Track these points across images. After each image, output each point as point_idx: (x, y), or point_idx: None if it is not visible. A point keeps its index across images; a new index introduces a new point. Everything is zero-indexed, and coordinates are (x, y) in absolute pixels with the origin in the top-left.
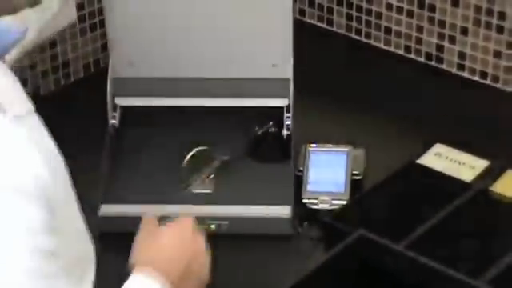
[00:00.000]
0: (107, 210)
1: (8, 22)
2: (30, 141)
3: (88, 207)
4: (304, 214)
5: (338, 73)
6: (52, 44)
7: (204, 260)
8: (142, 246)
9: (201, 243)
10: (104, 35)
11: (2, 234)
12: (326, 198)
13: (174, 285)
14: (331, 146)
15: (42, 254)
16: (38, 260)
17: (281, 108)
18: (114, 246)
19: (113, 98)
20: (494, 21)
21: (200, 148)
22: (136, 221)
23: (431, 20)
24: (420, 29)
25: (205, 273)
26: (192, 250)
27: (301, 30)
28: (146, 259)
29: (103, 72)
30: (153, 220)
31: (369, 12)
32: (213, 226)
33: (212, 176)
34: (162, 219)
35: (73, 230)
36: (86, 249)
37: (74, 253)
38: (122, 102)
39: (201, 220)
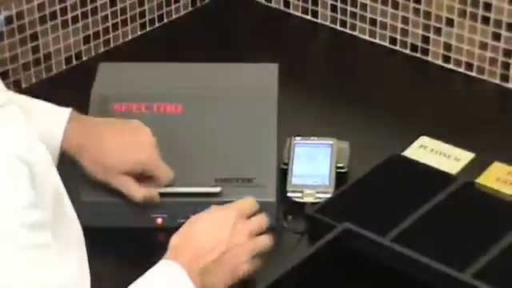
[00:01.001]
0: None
1: None
2: (12, 123)
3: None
4: (288, 207)
5: (322, 65)
6: (33, 36)
7: (240, 254)
8: (182, 228)
9: (241, 236)
10: (86, 27)
11: None
12: (310, 191)
13: (197, 276)
14: (316, 138)
15: (31, 228)
16: (26, 233)
17: None
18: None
19: None
20: (480, 12)
21: None
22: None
23: (417, 11)
24: (405, 20)
25: (239, 268)
26: (227, 242)
27: (285, 21)
28: (177, 244)
29: (85, 65)
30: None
31: (354, 3)
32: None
33: None
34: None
35: (60, 211)
36: (74, 228)
37: (63, 231)
38: None
39: (185, 214)
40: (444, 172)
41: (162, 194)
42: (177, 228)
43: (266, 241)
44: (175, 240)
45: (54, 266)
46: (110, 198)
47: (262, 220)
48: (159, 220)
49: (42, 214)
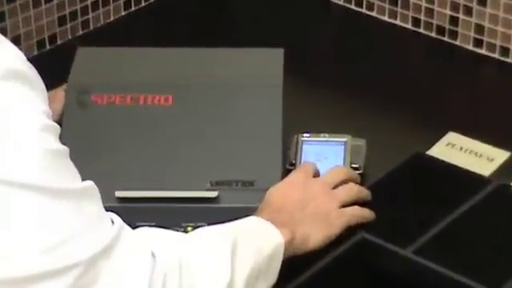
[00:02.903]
0: None
1: None
2: None
3: None
4: None
5: (335, 51)
6: (0, 17)
7: (327, 202)
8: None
9: (316, 188)
10: (61, 7)
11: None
12: None
13: (285, 223)
14: (327, 135)
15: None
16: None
17: None
18: None
19: None
20: None
21: None
22: None
23: None
24: None
25: (332, 215)
26: (305, 194)
27: (295, 0)
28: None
29: (60, 50)
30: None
31: None
32: (189, 229)
33: None
34: None
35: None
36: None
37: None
38: None
39: (176, 222)
40: (475, 174)
41: (147, 199)
42: None
43: (356, 190)
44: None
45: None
46: None
47: (354, 186)
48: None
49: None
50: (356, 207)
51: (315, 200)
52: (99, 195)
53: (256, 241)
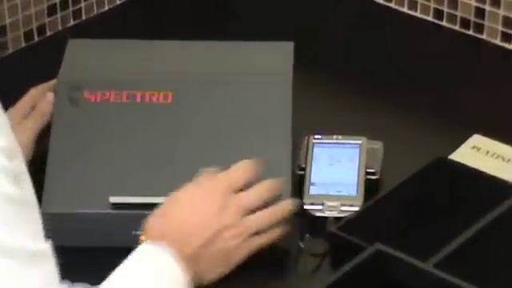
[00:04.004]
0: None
1: None
2: None
3: None
4: (306, 223)
5: (349, 45)
6: None
7: (231, 237)
8: (161, 207)
9: (231, 214)
10: None
11: None
12: (333, 203)
13: (187, 259)
14: (340, 137)
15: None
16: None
17: None
18: None
19: None
20: None
21: None
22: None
23: None
24: None
25: (233, 253)
26: (219, 222)
27: None
28: (157, 230)
29: (50, 42)
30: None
31: None
32: None
33: None
34: None
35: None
36: None
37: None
38: None
39: None
40: (502, 180)
41: (145, 205)
42: None
43: (267, 216)
44: (152, 222)
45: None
46: (82, 210)
47: (263, 189)
48: (143, 238)
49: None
50: (266, 212)
51: (223, 234)
52: (53, 261)
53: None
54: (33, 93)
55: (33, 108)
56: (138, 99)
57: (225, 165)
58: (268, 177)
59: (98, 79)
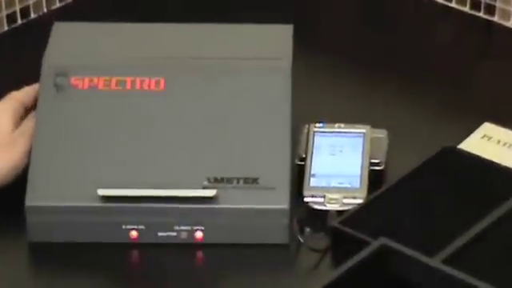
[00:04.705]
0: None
1: None
2: None
3: None
4: (306, 216)
5: (352, 27)
6: None
7: None
8: None
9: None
10: None
11: None
12: (335, 195)
13: None
14: (343, 125)
15: None
16: None
17: None
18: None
19: None
20: None
21: None
22: None
23: None
24: None
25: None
26: None
27: None
28: None
29: (34, 25)
30: None
31: None
32: (183, 233)
33: None
34: None
35: None
36: None
37: None
38: None
39: (168, 226)
40: None
41: (135, 198)
42: (156, 244)
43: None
44: None
45: None
46: (68, 203)
47: None
48: (134, 233)
49: None
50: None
51: None
52: None
53: None
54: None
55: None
56: (128, 86)
57: (221, 155)
58: (266, 168)
59: (85, 65)
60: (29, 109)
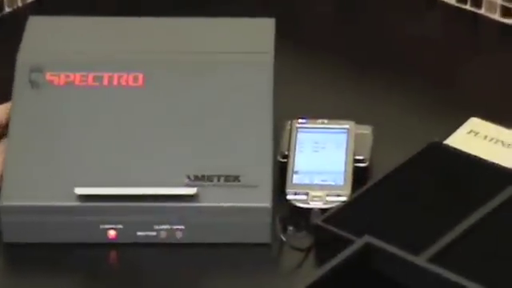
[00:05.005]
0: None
1: None
2: None
3: None
4: (289, 214)
5: (336, 21)
6: None
7: None
8: None
9: None
10: None
11: None
12: (318, 192)
13: None
14: (326, 121)
15: None
16: None
17: None
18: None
19: None
20: None
21: None
22: None
23: None
24: None
25: None
26: None
27: None
28: None
29: (8, 19)
30: None
31: None
32: (164, 232)
33: None
34: None
35: None
36: None
37: None
38: None
39: (147, 225)
40: (502, 167)
41: (113, 197)
42: (135, 244)
43: None
44: None
45: None
46: (45, 203)
47: None
48: (112, 233)
49: None
50: None
51: None
52: None
53: None
54: None
55: None
56: (106, 82)
57: (201, 152)
58: (247, 165)
59: (61, 60)
60: (2, 127)
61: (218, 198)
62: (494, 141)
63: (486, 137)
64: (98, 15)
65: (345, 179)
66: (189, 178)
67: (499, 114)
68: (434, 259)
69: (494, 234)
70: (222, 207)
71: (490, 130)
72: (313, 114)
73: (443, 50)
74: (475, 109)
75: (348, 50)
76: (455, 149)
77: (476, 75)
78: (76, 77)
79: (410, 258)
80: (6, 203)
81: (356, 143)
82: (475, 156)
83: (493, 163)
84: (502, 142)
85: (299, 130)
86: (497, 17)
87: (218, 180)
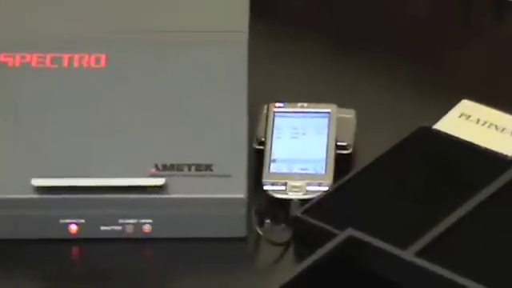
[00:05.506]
0: None
1: None
2: None
3: None
4: (266, 206)
5: None
6: None
7: None
8: None
9: None
10: None
11: None
12: (298, 182)
13: None
14: (305, 105)
15: None
16: None
17: None
18: None
19: None
20: None
21: None
22: None
23: None
24: None
25: None
26: None
27: None
28: None
29: None
30: None
31: None
32: (129, 227)
33: None
34: None
35: None
36: None
37: None
38: None
39: (112, 219)
40: (496, 153)
41: (74, 189)
42: (99, 239)
43: None
44: None
45: None
46: None
47: None
48: (73, 228)
49: None
50: None
51: None
52: None
53: None
54: None
55: None
56: (65, 63)
57: (170, 139)
58: (220, 153)
59: (17, 40)
60: None
61: (188, 189)
62: (488, 125)
63: (478, 120)
64: None
65: (326, 167)
66: (157, 167)
67: (492, 96)
68: (422, 253)
69: (486, 226)
70: (192, 199)
71: (483, 113)
72: (291, 97)
73: (433, 29)
74: (467, 90)
75: (329, 27)
76: (446, 134)
77: (467, 54)
78: (33, 58)
79: (397, 252)
80: None
81: (338, 128)
82: (467, 141)
83: (486, 149)
84: (496, 125)
85: (276, 114)
86: None
87: (189, 169)
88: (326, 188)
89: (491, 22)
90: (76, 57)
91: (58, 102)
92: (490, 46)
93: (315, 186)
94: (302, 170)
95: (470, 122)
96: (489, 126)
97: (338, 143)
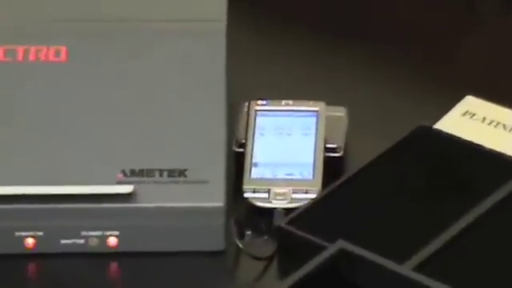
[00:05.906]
0: None
1: None
2: None
3: None
4: (246, 216)
5: None
6: None
7: None
8: None
9: None
10: None
11: None
12: (282, 189)
13: None
14: (291, 102)
15: None
16: None
17: None
18: None
19: None
20: None
21: None
22: None
23: None
24: None
25: None
26: None
27: None
28: None
29: None
30: None
31: None
32: (94, 240)
33: None
34: None
35: None
36: None
37: None
38: None
39: (73, 231)
40: (503, 155)
41: (31, 197)
42: (59, 254)
43: None
44: None
45: None
46: None
47: None
48: (30, 241)
49: None
50: None
51: None
52: None
53: None
54: None
55: None
56: (20, 56)
57: (139, 142)
58: (195, 157)
59: None
60: None
61: (159, 197)
62: (494, 123)
63: (484, 119)
64: None
65: (314, 172)
66: (124, 173)
67: (499, 92)
68: (421, 268)
69: (492, 235)
70: (164, 208)
71: (489, 110)
72: (275, 93)
73: (434, 19)
74: (471, 86)
75: (319, 17)
76: (447, 134)
77: (471, 48)
78: None
79: (393, 266)
80: None
81: (327, 128)
82: (471, 142)
83: (493, 151)
84: (504, 124)
85: (258, 113)
86: None
87: (160, 175)
88: (314, 195)
89: (497, 13)
90: (32, 49)
91: (12, 100)
92: (496, 38)
93: (301, 193)
94: (287, 175)
95: (474, 121)
96: (496, 126)
97: (327, 145)
